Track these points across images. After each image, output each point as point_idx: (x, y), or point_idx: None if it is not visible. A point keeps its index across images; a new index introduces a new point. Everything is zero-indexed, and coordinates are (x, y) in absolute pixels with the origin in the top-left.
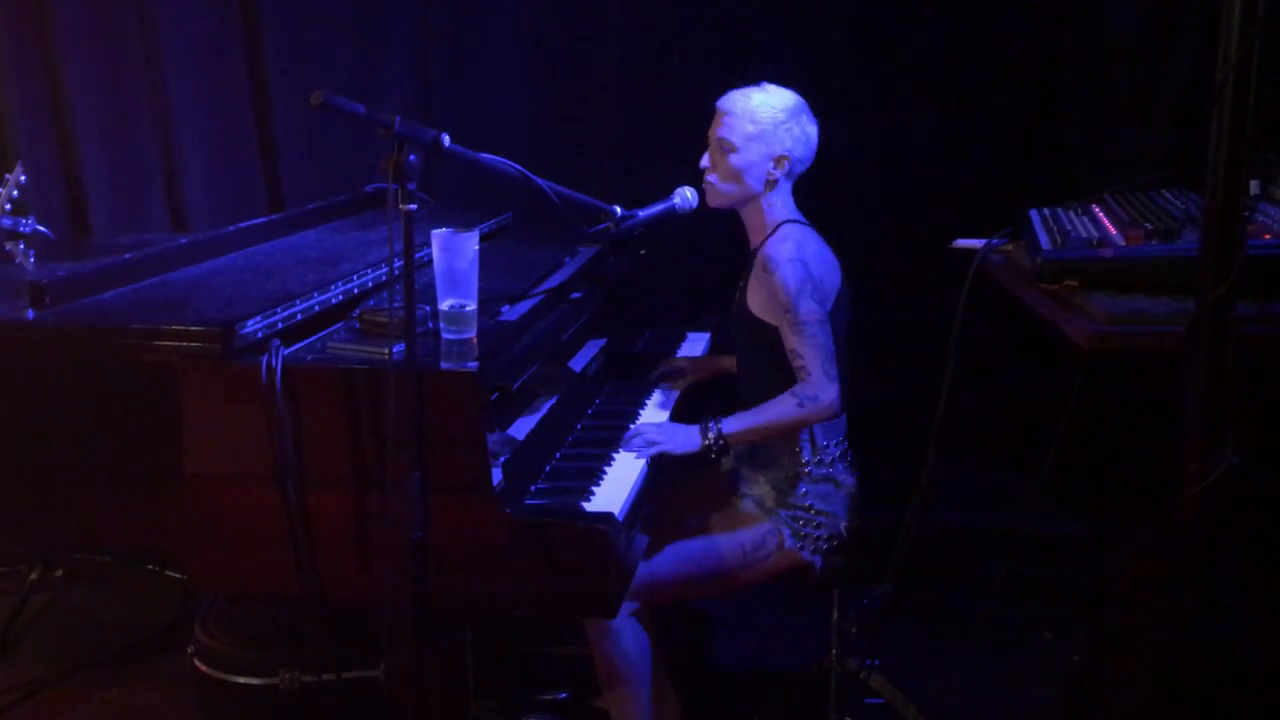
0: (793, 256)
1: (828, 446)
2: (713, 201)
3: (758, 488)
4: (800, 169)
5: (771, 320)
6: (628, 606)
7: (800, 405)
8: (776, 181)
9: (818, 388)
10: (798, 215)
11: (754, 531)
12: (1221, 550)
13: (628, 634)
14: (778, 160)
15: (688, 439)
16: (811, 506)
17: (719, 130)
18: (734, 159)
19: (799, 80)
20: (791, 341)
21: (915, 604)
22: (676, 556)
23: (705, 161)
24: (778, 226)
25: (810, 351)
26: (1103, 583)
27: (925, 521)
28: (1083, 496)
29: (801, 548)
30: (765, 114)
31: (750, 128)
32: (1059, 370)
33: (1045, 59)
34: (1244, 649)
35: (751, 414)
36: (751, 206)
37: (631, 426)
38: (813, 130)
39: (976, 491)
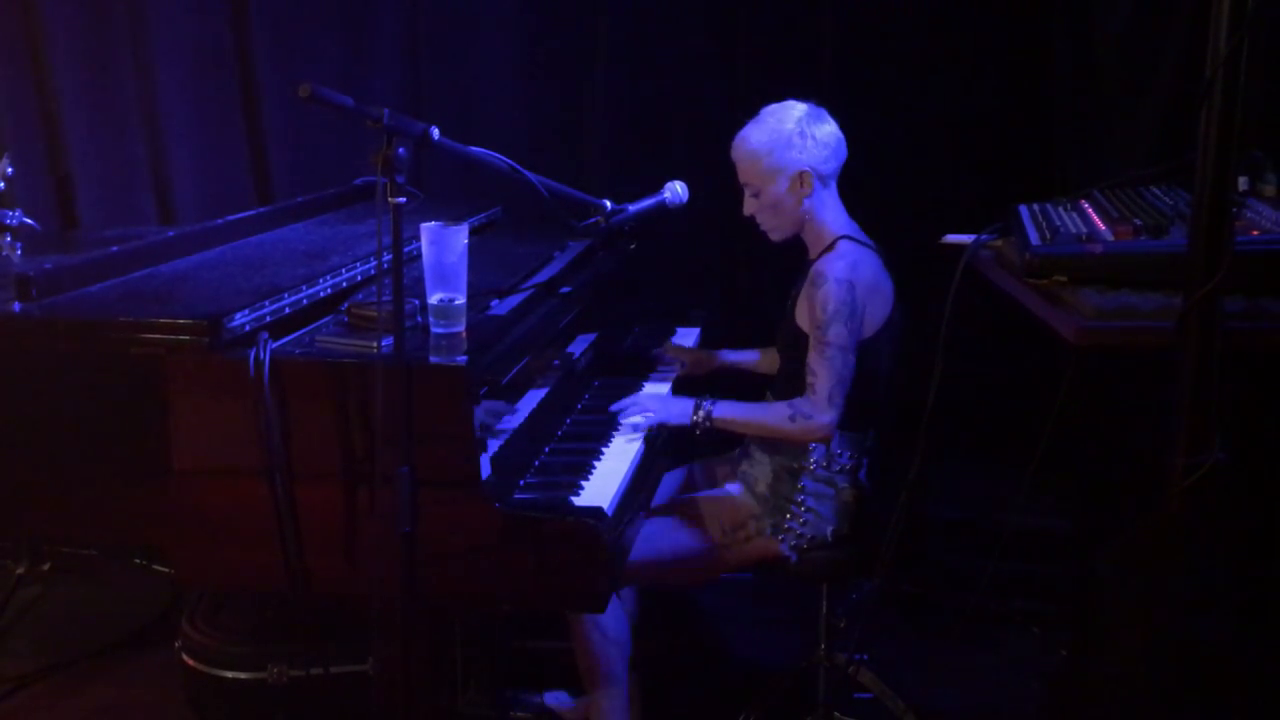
0: (843, 277)
1: (840, 455)
2: (774, 239)
3: (760, 467)
4: (829, 170)
5: (807, 331)
6: None
7: (792, 419)
8: (811, 194)
9: (816, 409)
10: (856, 231)
11: (735, 514)
12: (1209, 546)
13: (610, 623)
14: (799, 180)
15: (680, 412)
16: (804, 503)
17: (740, 178)
18: (762, 199)
19: (786, 76)
20: (811, 357)
21: (903, 599)
22: (656, 534)
23: (746, 209)
24: (835, 241)
25: (824, 373)
26: (1090, 578)
27: (913, 517)
28: (1070, 492)
29: (782, 540)
30: (765, 146)
31: (759, 165)
32: (1047, 365)
33: (1034, 55)
34: (1231, 644)
35: (745, 408)
36: (806, 227)
37: (630, 397)
38: (824, 131)
39: (964, 487)
